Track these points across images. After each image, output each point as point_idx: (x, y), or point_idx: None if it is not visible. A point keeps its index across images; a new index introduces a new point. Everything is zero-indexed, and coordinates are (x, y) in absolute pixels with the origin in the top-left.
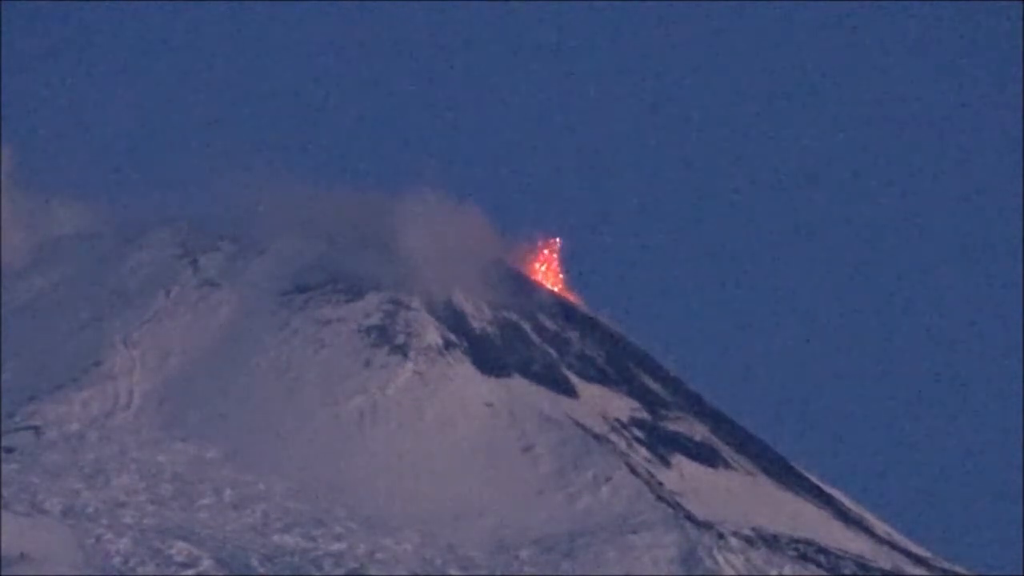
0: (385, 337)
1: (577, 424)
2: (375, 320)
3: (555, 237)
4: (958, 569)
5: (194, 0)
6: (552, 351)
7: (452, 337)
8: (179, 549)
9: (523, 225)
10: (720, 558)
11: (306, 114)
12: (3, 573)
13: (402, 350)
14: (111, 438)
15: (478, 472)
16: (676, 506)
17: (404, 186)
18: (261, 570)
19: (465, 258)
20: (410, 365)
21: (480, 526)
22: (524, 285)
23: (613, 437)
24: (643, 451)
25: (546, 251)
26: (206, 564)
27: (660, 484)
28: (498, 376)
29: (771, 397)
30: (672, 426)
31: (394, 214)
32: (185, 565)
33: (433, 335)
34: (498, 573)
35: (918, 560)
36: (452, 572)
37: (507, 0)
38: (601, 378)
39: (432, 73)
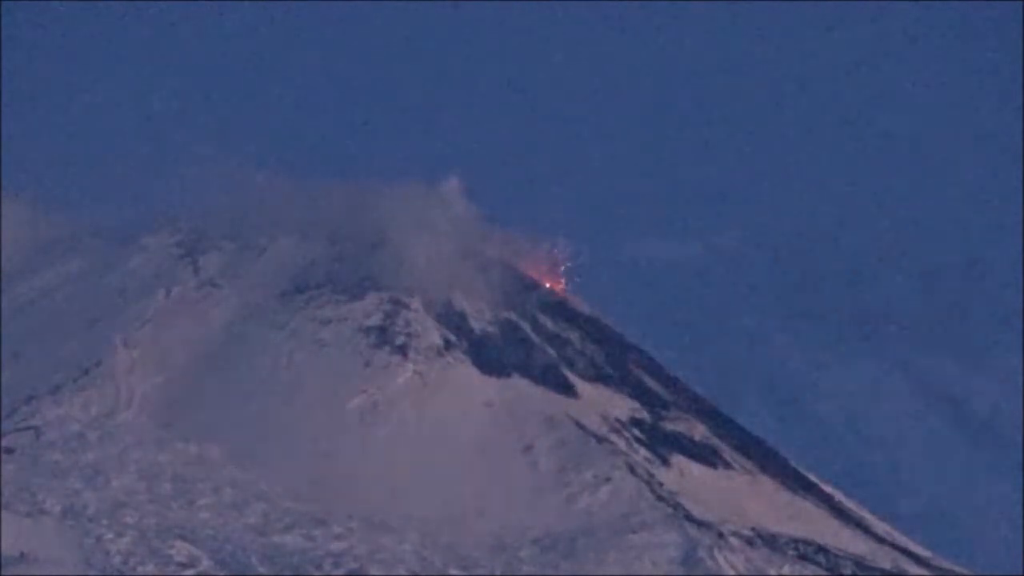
0: (385, 337)
1: (577, 424)
2: (375, 320)
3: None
4: (958, 569)
5: (188, 1)
6: (552, 351)
7: (452, 337)
8: (179, 549)
9: (517, 220)
10: (720, 558)
11: (302, 113)
12: (3, 573)
13: (402, 350)
14: (111, 438)
15: (478, 472)
16: (676, 506)
17: (393, 180)
18: (261, 570)
19: (464, 257)
20: (410, 365)
21: (480, 526)
22: (524, 285)
23: (613, 437)
24: (643, 451)
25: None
26: (206, 564)
27: (660, 484)
28: (498, 376)
29: (771, 397)
30: (672, 426)
31: (383, 208)
32: (185, 565)
33: (433, 335)
34: (498, 573)
35: (918, 560)
36: (452, 572)
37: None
38: (601, 378)
39: (429, 71)
